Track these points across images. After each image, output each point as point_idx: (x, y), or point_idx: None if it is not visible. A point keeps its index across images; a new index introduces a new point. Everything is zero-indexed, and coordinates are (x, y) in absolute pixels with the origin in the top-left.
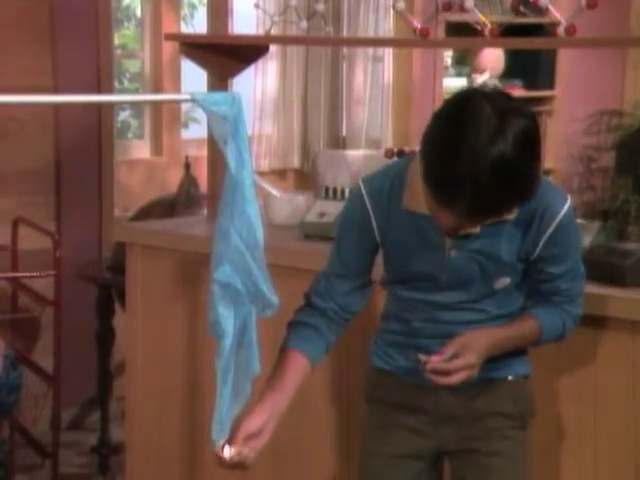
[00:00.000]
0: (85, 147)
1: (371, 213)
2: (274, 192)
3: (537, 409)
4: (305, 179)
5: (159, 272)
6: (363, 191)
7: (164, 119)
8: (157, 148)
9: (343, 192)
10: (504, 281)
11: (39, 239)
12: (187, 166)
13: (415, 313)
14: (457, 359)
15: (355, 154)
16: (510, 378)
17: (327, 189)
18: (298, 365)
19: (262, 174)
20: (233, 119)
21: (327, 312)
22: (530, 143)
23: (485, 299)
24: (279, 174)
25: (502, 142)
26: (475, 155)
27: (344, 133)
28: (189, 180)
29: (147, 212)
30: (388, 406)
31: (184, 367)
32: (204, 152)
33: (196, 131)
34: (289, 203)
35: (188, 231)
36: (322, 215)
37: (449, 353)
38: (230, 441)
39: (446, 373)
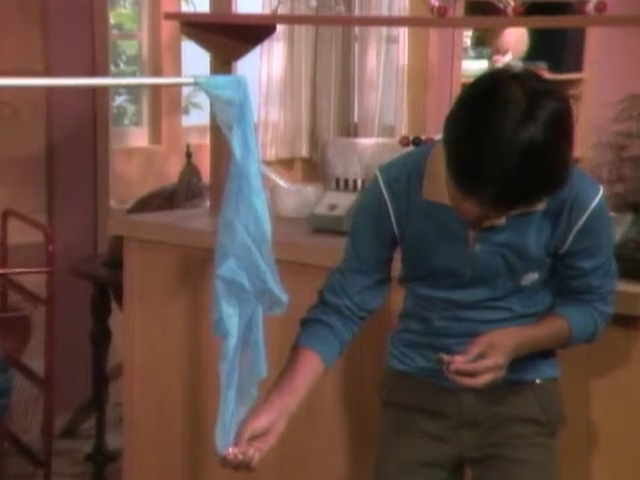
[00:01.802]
0: (79, 134)
1: (389, 204)
2: (281, 183)
3: (566, 414)
4: (314, 169)
5: (158, 268)
6: (380, 181)
7: (163, 104)
8: (156, 135)
9: (355, 183)
10: (531, 277)
11: (30, 233)
12: (188, 155)
13: (436, 312)
14: (483, 359)
15: (367, 142)
16: (538, 381)
17: (337, 180)
18: (310, 366)
19: (268, 164)
20: (239, 104)
21: (342, 309)
22: (562, 127)
23: (511, 296)
24: (286, 164)
25: (532, 126)
26: (502, 140)
27: (356, 120)
28: (190, 170)
29: (145, 204)
30: (406, 410)
31: (185, 370)
32: (206, 140)
33: (198, 117)
34: (297, 195)
35: (189, 224)
36: (332, 207)
37: (474, 353)
38: (235, 441)
39: (471, 374)
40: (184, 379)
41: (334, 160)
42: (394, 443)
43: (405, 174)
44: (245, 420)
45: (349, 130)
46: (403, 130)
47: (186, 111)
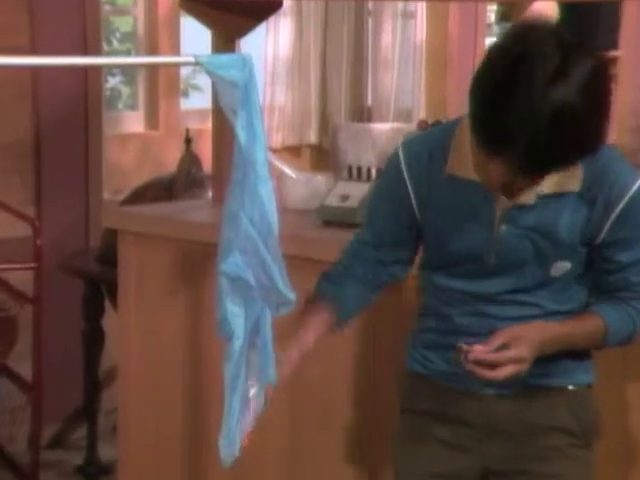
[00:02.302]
0: (69, 119)
1: (408, 181)
2: (288, 172)
3: (602, 424)
4: (324, 157)
5: (156, 264)
6: (401, 157)
7: (160, 86)
8: (152, 120)
9: (368, 172)
10: (563, 266)
11: (16, 226)
12: (188, 141)
13: (456, 306)
14: (506, 350)
15: (382, 127)
16: (570, 387)
17: (350, 168)
18: (321, 317)
19: (274, 151)
20: (243, 85)
21: (356, 273)
22: (598, 88)
23: (539, 289)
24: (294, 151)
25: (564, 84)
26: (532, 97)
27: (369, 102)
28: (190, 157)
29: (141, 195)
30: (424, 417)
31: (185, 374)
32: (207, 125)
33: (198, 100)
34: (306, 185)
35: (190, 217)
36: (344, 198)
37: (496, 344)
38: None
39: (492, 366)
40: (184, 384)
41: (346, 147)
42: (410, 454)
43: (427, 150)
44: None
45: (362, 114)
46: (421, 114)
47: (185, 94)
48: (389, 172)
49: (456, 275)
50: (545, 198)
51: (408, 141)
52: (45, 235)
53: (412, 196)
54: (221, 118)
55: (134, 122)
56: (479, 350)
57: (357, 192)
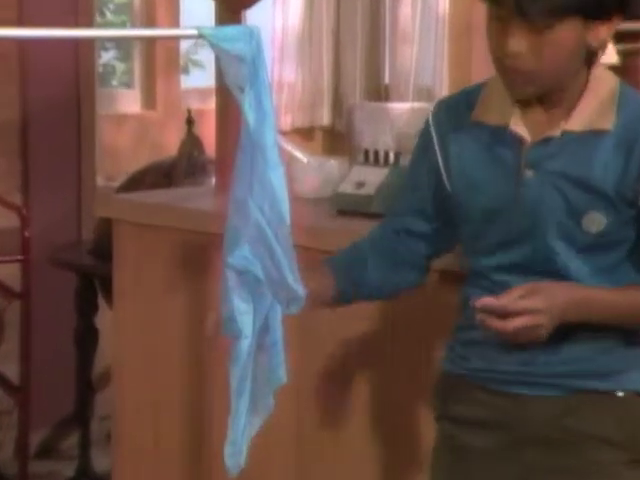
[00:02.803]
0: (59, 98)
1: (435, 139)
2: (299, 156)
3: None
4: (338, 140)
5: (155, 257)
6: (430, 117)
7: (158, 62)
8: (150, 99)
9: (386, 156)
10: (597, 219)
11: (2, 215)
12: (189, 122)
13: (497, 290)
14: (520, 300)
15: (401, 107)
16: (620, 394)
17: (366, 152)
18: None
19: (283, 134)
20: (251, 59)
21: (377, 243)
22: None
23: (573, 254)
24: (304, 133)
25: None
26: None
27: (387, 80)
28: (192, 140)
29: (139, 181)
30: (460, 425)
31: (187, 377)
32: (210, 104)
33: (199, 78)
34: (318, 170)
35: (192, 205)
36: (360, 185)
37: (514, 296)
38: None
39: (502, 316)
40: (185, 388)
41: (361, 128)
42: (445, 467)
43: (455, 102)
44: None
45: (379, 93)
46: (443, 92)
47: (185, 70)
48: (420, 137)
49: (490, 249)
50: (573, 138)
51: (438, 101)
52: (33, 225)
53: (439, 155)
54: (226, 97)
55: (130, 101)
56: (488, 300)
57: (374, 178)
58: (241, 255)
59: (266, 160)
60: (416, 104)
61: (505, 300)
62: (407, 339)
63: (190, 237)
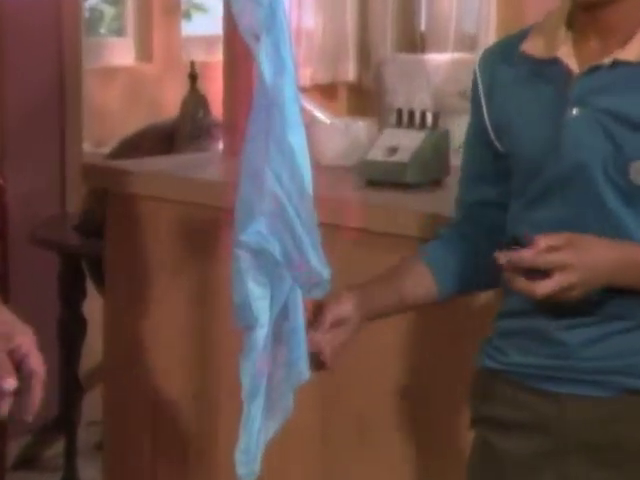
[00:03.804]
0: (38, 48)
1: (481, 90)
2: (321, 117)
3: None
4: (365, 98)
5: (153, 235)
6: (476, 63)
7: (155, 6)
8: (145, 50)
9: (423, 116)
10: None
11: None
12: (192, 77)
13: None
14: (549, 254)
15: (439, 59)
16: None
17: (399, 112)
18: (423, 276)
19: (302, 90)
20: (268, 1)
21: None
22: None
23: (622, 208)
24: (326, 90)
25: None
26: None
27: (423, 27)
28: (195, 98)
29: (134, 147)
30: (493, 428)
31: (190, 375)
32: (217, 55)
33: (203, 24)
34: (343, 133)
35: (196, 174)
36: (392, 151)
37: (541, 246)
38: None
39: (529, 274)
40: (188, 386)
41: (394, 85)
42: (480, 476)
43: (504, 46)
44: (323, 303)
45: (414, 42)
46: (489, 39)
47: (187, 15)
48: (471, 91)
49: (532, 205)
50: (628, 70)
51: (485, 48)
52: (11, 198)
53: (484, 107)
54: (235, 46)
55: (121, 52)
56: (514, 253)
57: (408, 143)
58: (256, 231)
59: (285, 120)
60: (457, 55)
61: (529, 257)
62: (443, 332)
63: (195, 211)
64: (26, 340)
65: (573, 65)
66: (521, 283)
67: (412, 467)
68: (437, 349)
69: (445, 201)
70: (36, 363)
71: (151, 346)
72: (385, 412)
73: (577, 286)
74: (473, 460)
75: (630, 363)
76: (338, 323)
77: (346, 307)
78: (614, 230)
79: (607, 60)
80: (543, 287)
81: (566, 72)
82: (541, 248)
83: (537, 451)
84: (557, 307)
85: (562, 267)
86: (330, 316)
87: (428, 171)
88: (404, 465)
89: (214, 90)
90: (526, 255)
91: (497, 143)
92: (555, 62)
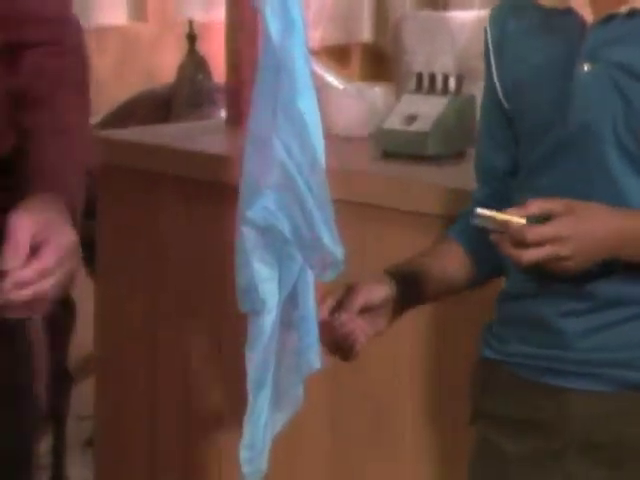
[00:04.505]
0: None
1: (491, 46)
2: (333, 82)
3: None
4: (381, 61)
5: (150, 212)
6: (488, 17)
7: None
8: (139, 8)
9: (445, 81)
10: None
11: None
12: (191, 38)
13: None
14: (542, 224)
15: (464, 17)
16: None
17: (419, 76)
18: (457, 258)
19: (311, 53)
20: None
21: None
22: None
23: (632, 175)
24: (339, 53)
25: None
26: None
27: None
28: (195, 61)
29: (127, 114)
30: (493, 425)
31: (190, 365)
32: (218, 14)
33: None
34: (358, 100)
35: (196, 145)
36: (411, 119)
37: (532, 210)
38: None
39: (518, 242)
40: (188, 379)
41: (413, 46)
42: (476, 476)
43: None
44: (355, 288)
45: None
46: None
47: None
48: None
49: (536, 169)
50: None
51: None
52: None
53: (494, 65)
54: (238, 3)
55: (112, 10)
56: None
57: (429, 110)
58: (263, 207)
59: (294, 84)
60: (483, 12)
61: (519, 213)
62: (464, 318)
63: (195, 186)
64: (59, 239)
65: (588, 16)
66: (509, 248)
67: (428, 466)
68: (457, 336)
69: (470, 175)
70: (47, 254)
71: (146, 334)
72: (401, 403)
73: (572, 257)
74: (473, 457)
75: (633, 356)
76: (369, 309)
77: (379, 293)
78: (618, 202)
79: (624, 9)
80: (530, 255)
81: (580, 23)
82: (531, 212)
83: (537, 448)
84: (552, 280)
85: (553, 240)
86: (362, 300)
87: (451, 141)
88: (419, 464)
89: (215, 52)
90: (515, 228)
91: (505, 103)
92: (569, 13)
